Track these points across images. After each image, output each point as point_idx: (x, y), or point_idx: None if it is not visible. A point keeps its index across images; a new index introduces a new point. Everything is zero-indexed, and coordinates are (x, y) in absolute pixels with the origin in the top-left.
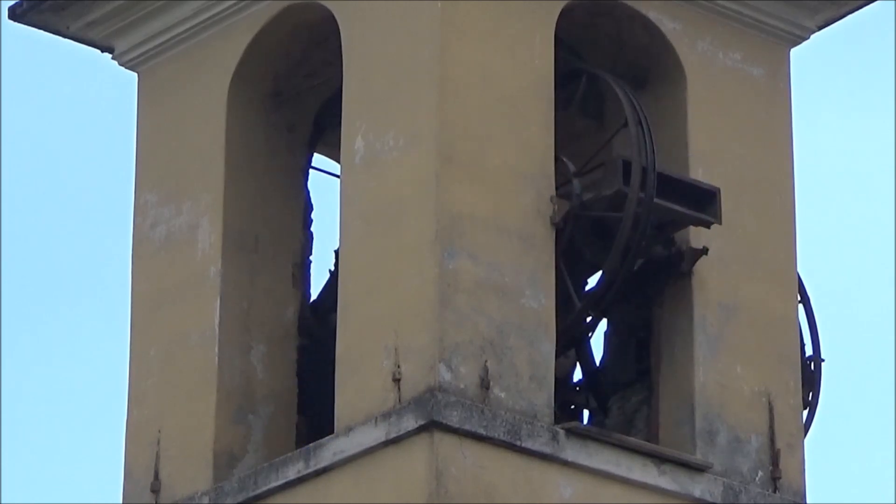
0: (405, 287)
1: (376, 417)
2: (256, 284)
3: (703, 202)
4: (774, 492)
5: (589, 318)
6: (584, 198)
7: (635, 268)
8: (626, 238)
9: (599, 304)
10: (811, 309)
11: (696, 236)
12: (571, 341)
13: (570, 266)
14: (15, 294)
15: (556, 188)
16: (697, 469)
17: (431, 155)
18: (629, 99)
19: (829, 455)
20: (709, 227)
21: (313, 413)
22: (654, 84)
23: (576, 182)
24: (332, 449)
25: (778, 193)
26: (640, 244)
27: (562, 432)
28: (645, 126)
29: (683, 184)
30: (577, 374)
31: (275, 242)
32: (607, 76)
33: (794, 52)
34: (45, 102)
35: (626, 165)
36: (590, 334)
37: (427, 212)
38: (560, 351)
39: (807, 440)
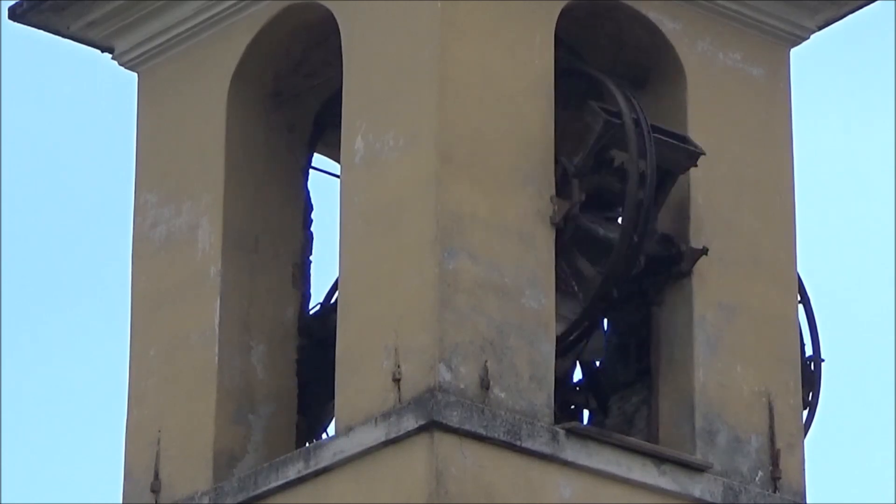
0: (405, 287)
1: (376, 417)
2: (256, 284)
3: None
4: (774, 492)
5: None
6: (575, 161)
7: (640, 259)
8: (636, 181)
9: (609, 295)
10: (811, 309)
11: (696, 236)
12: (574, 343)
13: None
14: (15, 294)
15: (556, 188)
16: (697, 469)
17: (431, 155)
18: (604, 73)
19: (829, 455)
20: (696, 164)
21: (313, 413)
22: (654, 84)
23: (563, 159)
24: (332, 449)
25: (778, 193)
26: (650, 193)
27: (562, 432)
28: (624, 85)
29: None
30: (577, 374)
31: (275, 242)
32: (576, 60)
33: (794, 52)
34: (45, 102)
35: (607, 111)
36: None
37: (427, 212)
38: (560, 352)
39: (807, 440)
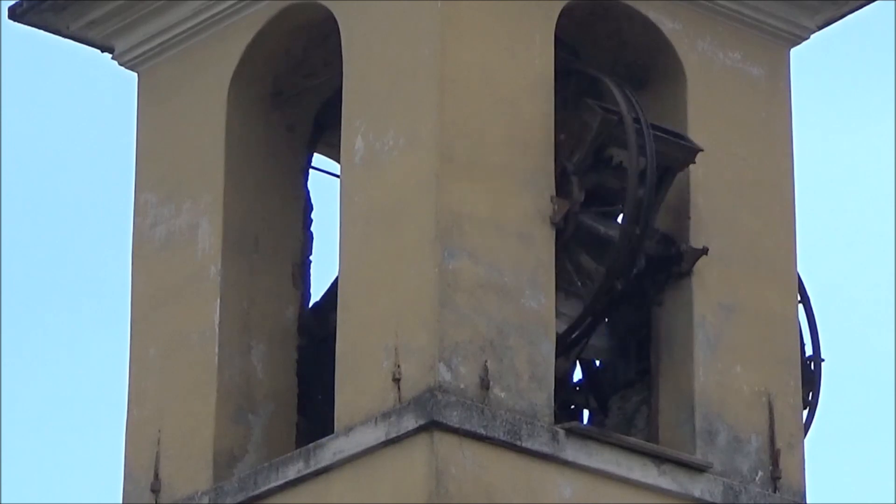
0: (405, 287)
1: (376, 417)
2: (256, 284)
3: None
4: (774, 492)
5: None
6: (574, 159)
7: (638, 263)
8: (636, 178)
9: (610, 291)
10: (811, 309)
11: (696, 236)
12: (575, 342)
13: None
14: (15, 294)
15: (556, 188)
16: (697, 469)
17: (431, 155)
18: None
19: (829, 455)
20: (695, 160)
21: (313, 413)
22: (654, 84)
23: (563, 158)
24: (332, 449)
25: (778, 193)
26: (650, 189)
27: (562, 432)
28: (623, 84)
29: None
30: (578, 374)
31: (275, 242)
32: (575, 60)
33: (794, 52)
34: (45, 102)
35: (605, 108)
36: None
37: (427, 212)
38: (560, 351)
39: (807, 440)
